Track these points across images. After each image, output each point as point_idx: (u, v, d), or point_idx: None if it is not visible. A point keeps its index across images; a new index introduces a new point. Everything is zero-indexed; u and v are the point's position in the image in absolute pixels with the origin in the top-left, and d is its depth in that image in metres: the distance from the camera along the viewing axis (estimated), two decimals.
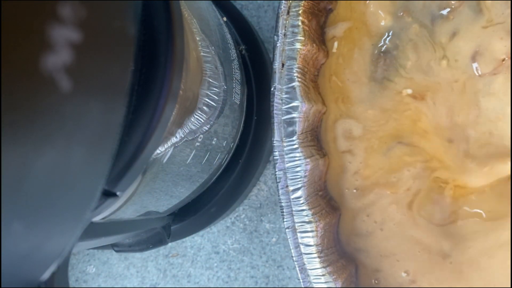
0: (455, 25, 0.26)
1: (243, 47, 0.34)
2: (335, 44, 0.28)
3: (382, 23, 0.27)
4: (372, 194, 0.27)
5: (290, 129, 0.26)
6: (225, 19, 0.33)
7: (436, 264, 0.26)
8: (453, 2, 0.26)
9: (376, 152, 0.27)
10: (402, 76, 0.27)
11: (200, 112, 0.21)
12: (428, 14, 0.26)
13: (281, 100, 0.26)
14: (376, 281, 0.27)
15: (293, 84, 0.26)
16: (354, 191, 0.27)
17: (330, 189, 0.28)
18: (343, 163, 0.27)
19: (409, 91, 0.27)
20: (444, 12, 0.26)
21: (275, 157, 0.26)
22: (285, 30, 0.26)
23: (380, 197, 0.27)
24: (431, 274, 0.26)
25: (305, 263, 0.25)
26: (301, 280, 0.25)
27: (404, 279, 0.26)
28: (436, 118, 0.26)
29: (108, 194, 0.15)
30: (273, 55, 0.26)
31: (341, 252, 0.27)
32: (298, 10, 0.26)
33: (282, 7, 0.26)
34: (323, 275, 0.25)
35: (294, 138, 0.26)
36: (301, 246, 0.25)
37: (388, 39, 0.27)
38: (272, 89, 0.26)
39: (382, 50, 0.27)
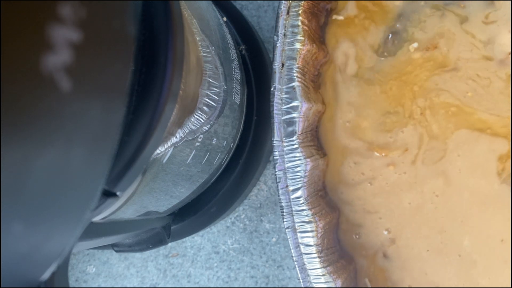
0: (466, 13, 0.26)
1: (243, 47, 0.34)
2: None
3: (396, 4, 0.27)
4: (362, 144, 0.27)
5: (290, 129, 0.26)
6: (225, 19, 0.33)
7: (417, 216, 0.27)
8: None
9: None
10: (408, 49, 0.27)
11: (200, 112, 0.21)
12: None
13: (281, 100, 0.26)
14: (357, 236, 0.27)
15: (293, 84, 0.26)
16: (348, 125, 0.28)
17: (328, 183, 0.28)
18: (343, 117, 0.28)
19: (415, 45, 0.27)
20: None
21: (275, 157, 0.26)
22: (285, 30, 0.26)
23: (372, 157, 0.27)
24: (410, 228, 0.27)
25: (305, 263, 0.25)
26: (301, 280, 0.25)
27: (385, 236, 0.27)
28: (445, 60, 0.27)
29: (108, 194, 0.15)
30: (273, 55, 0.26)
31: (341, 252, 0.27)
32: (298, 10, 0.26)
33: (282, 7, 0.26)
34: (323, 275, 0.25)
35: (294, 138, 0.26)
36: (301, 246, 0.25)
37: (398, 21, 0.27)
38: (272, 89, 0.26)
39: (392, 31, 0.27)
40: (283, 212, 0.26)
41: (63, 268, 0.14)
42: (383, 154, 0.27)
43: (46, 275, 0.13)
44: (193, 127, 0.21)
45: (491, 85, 0.26)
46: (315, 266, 0.25)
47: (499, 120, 0.26)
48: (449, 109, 0.26)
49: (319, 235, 0.25)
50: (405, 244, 0.27)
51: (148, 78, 0.15)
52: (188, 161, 0.24)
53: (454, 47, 0.26)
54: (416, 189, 0.27)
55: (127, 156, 0.15)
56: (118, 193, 0.15)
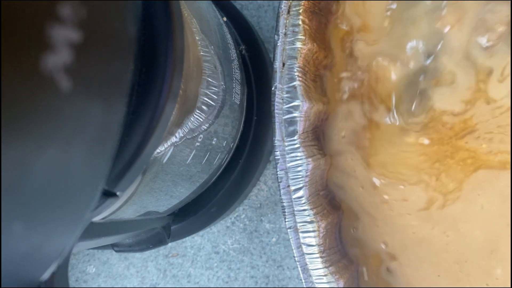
0: (491, 64, 0.25)
1: (243, 47, 0.34)
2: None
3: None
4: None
5: (291, 128, 0.26)
6: (225, 19, 0.33)
7: (423, 246, 0.26)
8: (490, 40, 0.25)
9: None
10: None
11: (199, 112, 0.21)
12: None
13: (282, 99, 0.26)
14: (354, 229, 0.27)
15: (294, 83, 0.26)
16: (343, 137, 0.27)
17: (331, 185, 0.27)
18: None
19: (426, 141, 0.26)
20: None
21: (276, 157, 0.26)
22: (286, 29, 0.26)
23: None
24: (412, 252, 0.26)
25: (307, 263, 0.25)
26: (303, 280, 0.25)
27: (383, 249, 0.26)
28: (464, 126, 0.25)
29: (108, 194, 0.15)
30: (274, 54, 0.26)
31: (343, 252, 0.27)
32: (299, 9, 0.26)
33: (282, 6, 0.26)
34: (325, 275, 0.25)
35: (295, 138, 0.26)
36: (303, 246, 0.25)
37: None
38: (273, 88, 0.26)
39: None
40: (284, 212, 0.26)
41: (63, 268, 0.14)
42: (384, 196, 0.26)
43: (46, 275, 0.13)
44: (192, 127, 0.21)
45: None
46: (317, 266, 0.25)
47: None
48: (466, 161, 0.25)
49: (321, 235, 0.25)
50: (408, 264, 0.26)
51: (148, 78, 0.15)
52: (188, 161, 0.24)
53: (476, 114, 0.25)
54: (424, 227, 0.26)
55: (127, 156, 0.15)
56: (118, 193, 0.15)
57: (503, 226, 0.25)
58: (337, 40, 0.28)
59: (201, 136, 0.24)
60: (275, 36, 0.26)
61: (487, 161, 0.25)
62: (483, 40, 0.25)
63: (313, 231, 0.25)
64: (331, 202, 0.27)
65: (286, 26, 0.26)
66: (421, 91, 0.26)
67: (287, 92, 0.26)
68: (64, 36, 0.10)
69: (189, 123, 0.20)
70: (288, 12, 0.26)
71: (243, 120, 0.32)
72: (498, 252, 0.25)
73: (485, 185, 0.25)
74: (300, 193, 0.25)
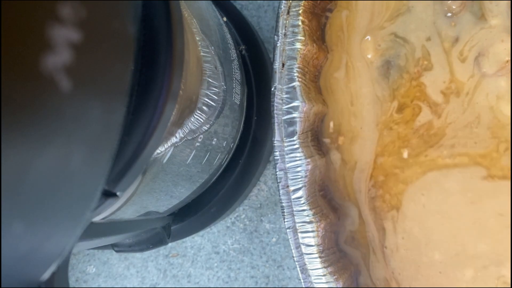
0: (457, 31, 0.26)
1: (243, 47, 0.34)
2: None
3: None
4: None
5: (291, 129, 0.26)
6: (225, 19, 0.33)
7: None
8: (454, 7, 0.26)
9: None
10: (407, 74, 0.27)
11: (199, 112, 0.21)
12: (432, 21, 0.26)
13: (282, 100, 0.26)
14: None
15: (294, 84, 0.26)
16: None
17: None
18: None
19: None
20: (448, 14, 0.26)
21: (275, 157, 0.26)
22: (285, 30, 0.26)
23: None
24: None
25: (306, 263, 0.25)
26: (302, 281, 0.25)
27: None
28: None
29: (108, 194, 0.15)
30: (273, 55, 0.26)
31: (342, 252, 0.27)
32: (298, 10, 0.26)
33: (282, 6, 0.26)
34: (324, 275, 0.25)
35: (294, 138, 0.26)
36: (302, 246, 0.25)
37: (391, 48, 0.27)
38: (272, 89, 0.26)
39: (387, 59, 0.27)
40: (284, 212, 0.26)
41: (63, 268, 0.14)
42: None
43: (46, 275, 0.13)
44: (193, 127, 0.21)
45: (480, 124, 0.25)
46: (316, 266, 0.25)
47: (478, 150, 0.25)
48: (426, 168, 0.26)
49: (320, 235, 0.25)
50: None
51: (148, 78, 0.15)
52: (188, 161, 0.24)
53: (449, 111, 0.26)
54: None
55: (127, 156, 0.15)
56: (118, 193, 0.15)
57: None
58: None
59: (201, 136, 0.24)
60: (275, 36, 0.26)
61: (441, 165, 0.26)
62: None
63: (312, 231, 0.25)
64: (330, 202, 0.27)
65: (285, 26, 0.26)
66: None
67: (287, 92, 0.26)
68: (64, 36, 0.10)
69: (190, 124, 0.20)
70: (288, 12, 0.26)
71: (243, 120, 0.32)
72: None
73: (433, 186, 0.26)
74: (299, 193, 0.25)
